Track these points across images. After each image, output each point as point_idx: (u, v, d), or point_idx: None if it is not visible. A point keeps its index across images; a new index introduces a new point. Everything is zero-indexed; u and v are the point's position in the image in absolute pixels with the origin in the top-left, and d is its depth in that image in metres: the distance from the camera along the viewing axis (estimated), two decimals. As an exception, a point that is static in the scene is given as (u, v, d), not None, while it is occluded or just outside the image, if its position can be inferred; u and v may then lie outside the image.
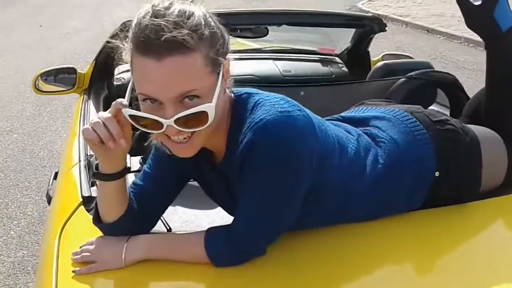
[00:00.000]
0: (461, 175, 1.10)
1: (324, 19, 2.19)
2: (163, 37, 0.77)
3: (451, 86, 1.70)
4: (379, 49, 2.56)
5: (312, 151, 0.90)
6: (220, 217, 1.16)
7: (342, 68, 2.52)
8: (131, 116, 0.85)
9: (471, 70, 5.62)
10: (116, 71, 2.25)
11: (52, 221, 1.21)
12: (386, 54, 2.59)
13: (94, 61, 2.17)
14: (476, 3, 1.31)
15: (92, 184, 1.23)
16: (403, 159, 1.06)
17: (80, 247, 0.98)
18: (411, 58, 2.60)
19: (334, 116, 1.23)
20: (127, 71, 2.25)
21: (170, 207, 1.07)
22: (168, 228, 1.07)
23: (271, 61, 2.51)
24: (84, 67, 2.40)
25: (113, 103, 0.87)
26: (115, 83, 2.22)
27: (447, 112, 1.74)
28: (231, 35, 0.90)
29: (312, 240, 1.01)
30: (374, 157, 1.05)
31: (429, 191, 1.09)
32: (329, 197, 0.99)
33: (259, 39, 2.38)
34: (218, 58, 0.84)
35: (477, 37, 1.46)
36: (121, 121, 0.87)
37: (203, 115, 0.82)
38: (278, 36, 2.83)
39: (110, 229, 0.98)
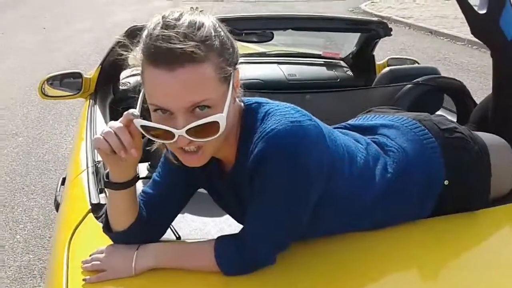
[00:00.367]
0: (470, 183, 1.10)
1: (329, 24, 2.20)
2: (174, 50, 0.78)
3: (458, 92, 1.70)
4: (382, 50, 2.57)
5: (322, 160, 0.90)
6: (228, 224, 1.17)
7: (347, 72, 2.52)
8: (142, 126, 0.85)
9: (475, 72, 5.61)
10: (122, 75, 2.26)
11: (61, 229, 1.22)
12: (391, 58, 2.59)
13: (100, 66, 2.18)
14: (481, 12, 1.31)
15: (101, 191, 1.24)
16: (412, 168, 1.06)
17: (90, 255, 0.98)
18: (416, 62, 2.60)
19: (342, 124, 1.23)
20: (133, 75, 2.26)
21: (179, 215, 1.07)
22: (177, 236, 1.08)
23: (276, 65, 2.51)
24: (88, 69, 2.41)
25: (125, 113, 0.88)
26: (120, 87, 2.23)
27: (454, 117, 1.74)
28: (236, 39, 0.90)
29: (320, 248, 1.01)
30: (383, 166, 1.05)
31: (438, 199, 1.09)
32: (338, 206, 0.99)
33: (264, 43, 2.39)
34: (228, 68, 0.85)
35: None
36: (132, 131, 0.88)
37: (214, 125, 0.82)
38: (282, 40, 2.84)
39: (120, 238, 0.99)
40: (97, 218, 1.13)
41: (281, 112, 0.88)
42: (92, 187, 1.27)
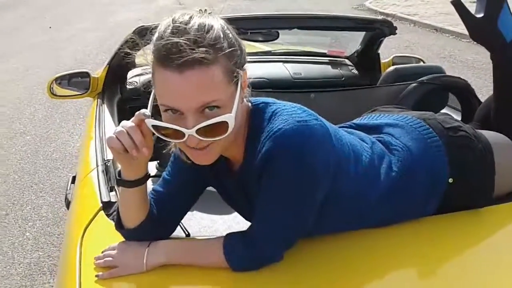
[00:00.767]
0: (475, 181, 1.12)
1: (334, 23, 2.21)
2: (184, 50, 0.80)
3: (462, 91, 1.71)
4: (387, 48, 2.57)
5: (328, 159, 0.92)
6: (236, 222, 1.19)
7: (352, 71, 2.53)
8: (153, 126, 0.87)
9: (480, 70, 5.59)
10: (129, 74, 2.29)
11: (72, 226, 1.24)
12: (396, 56, 2.59)
13: (108, 65, 2.20)
14: (479, 16, 1.32)
15: (111, 189, 1.27)
16: (416, 167, 1.08)
17: (102, 252, 1.01)
18: (421, 60, 2.60)
19: (347, 123, 1.25)
20: (140, 74, 2.29)
21: (188, 213, 1.10)
22: (186, 233, 1.10)
23: (281, 63, 2.53)
24: (95, 68, 2.44)
25: (136, 113, 0.90)
26: (128, 86, 2.25)
27: (459, 115, 1.76)
28: (241, 38, 0.92)
29: (326, 246, 1.03)
30: (388, 165, 1.07)
31: (443, 197, 1.10)
32: (344, 204, 1.01)
33: (269, 42, 2.40)
34: (236, 69, 0.87)
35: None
36: (144, 131, 0.90)
37: (223, 125, 0.85)
38: (288, 39, 2.85)
39: (132, 234, 1.01)
40: (108, 215, 1.15)
41: (288, 112, 0.90)
42: (102, 185, 1.30)
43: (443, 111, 1.78)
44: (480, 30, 1.34)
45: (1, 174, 3.35)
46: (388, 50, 2.84)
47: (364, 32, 2.37)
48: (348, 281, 0.96)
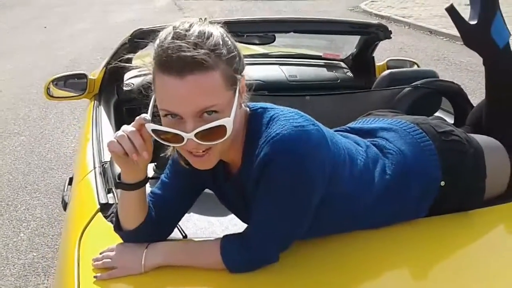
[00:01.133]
0: (466, 184, 1.14)
1: (331, 27, 2.23)
2: (184, 58, 0.82)
3: (455, 96, 1.74)
4: (382, 49, 2.60)
5: (325, 163, 0.94)
6: (233, 224, 1.21)
7: (347, 73, 2.55)
8: (153, 130, 0.89)
9: (473, 72, 5.64)
10: (126, 76, 2.30)
11: (70, 227, 1.25)
12: (390, 60, 2.62)
13: (105, 67, 2.21)
14: (472, 23, 1.34)
15: (109, 191, 1.28)
16: (410, 170, 1.10)
17: (100, 253, 1.02)
18: (415, 63, 2.63)
19: (343, 127, 1.27)
20: (136, 76, 2.30)
21: (185, 215, 1.11)
22: (183, 235, 1.11)
23: (277, 66, 2.55)
24: (90, 69, 2.44)
25: (137, 118, 0.92)
26: (124, 88, 2.26)
27: (451, 119, 1.78)
28: (237, 41, 0.94)
29: (321, 247, 1.04)
30: (382, 168, 1.09)
31: (435, 200, 1.12)
32: (338, 207, 1.02)
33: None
34: (235, 75, 0.89)
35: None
36: (144, 135, 0.92)
37: (222, 129, 0.87)
38: (283, 41, 2.87)
39: (130, 236, 1.03)
40: (105, 217, 1.16)
41: (285, 117, 0.92)
42: (100, 187, 1.31)
43: (436, 114, 1.81)
44: (473, 37, 1.37)
45: (-4, 175, 3.35)
46: (382, 52, 2.87)
47: (359, 36, 2.39)
48: (342, 282, 0.98)
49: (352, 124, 1.31)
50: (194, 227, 1.27)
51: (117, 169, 1.32)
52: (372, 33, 2.22)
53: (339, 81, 2.45)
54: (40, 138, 3.99)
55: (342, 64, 2.62)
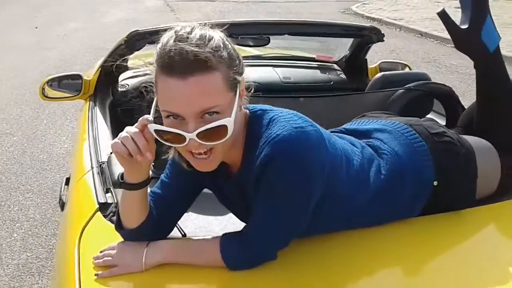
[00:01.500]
0: (458, 184, 1.18)
1: (325, 29, 2.26)
2: (187, 58, 0.84)
3: (447, 98, 1.78)
4: (373, 52, 2.63)
5: (323, 164, 0.97)
6: (231, 223, 1.23)
7: (340, 75, 2.58)
8: (156, 131, 0.91)
9: (464, 74, 5.71)
10: (120, 77, 2.31)
11: (69, 227, 1.27)
12: (383, 62, 2.66)
13: (100, 68, 2.22)
14: (463, 27, 1.38)
15: (107, 191, 1.29)
16: (404, 170, 1.13)
17: (101, 252, 1.04)
18: (407, 65, 2.67)
19: (338, 128, 1.30)
20: (131, 77, 2.31)
21: (184, 214, 1.13)
22: (183, 233, 1.13)
23: (271, 67, 2.57)
24: (82, 69, 2.45)
25: (140, 119, 0.94)
26: (119, 89, 2.27)
27: (443, 121, 1.82)
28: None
29: (317, 246, 1.07)
30: (377, 168, 1.12)
31: (428, 199, 1.15)
32: (335, 206, 1.05)
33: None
34: (235, 78, 0.92)
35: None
36: (146, 136, 0.94)
37: (223, 128, 0.89)
38: (277, 43, 2.89)
39: (131, 235, 1.04)
40: (104, 216, 1.18)
41: (285, 119, 0.95)
42: (98, 187, 1.32)
43: (428, 116, 1.85)
44: (464, 41, 1.40)
45: (-12, 175, 3.33)
46: (373, 54, 2.90)
47: (352, 38, 2.42)
48: (338, 279, 1.01)
49: (347, 126, 1.34)
50: (193, 226, 1.29)
51: (115, 169, 1.34)
52: (365, 36, 2.25)
53: (332, 83, 2.48)
54: (33, 139, 3.97)
55: (335, 66, 2.65)
